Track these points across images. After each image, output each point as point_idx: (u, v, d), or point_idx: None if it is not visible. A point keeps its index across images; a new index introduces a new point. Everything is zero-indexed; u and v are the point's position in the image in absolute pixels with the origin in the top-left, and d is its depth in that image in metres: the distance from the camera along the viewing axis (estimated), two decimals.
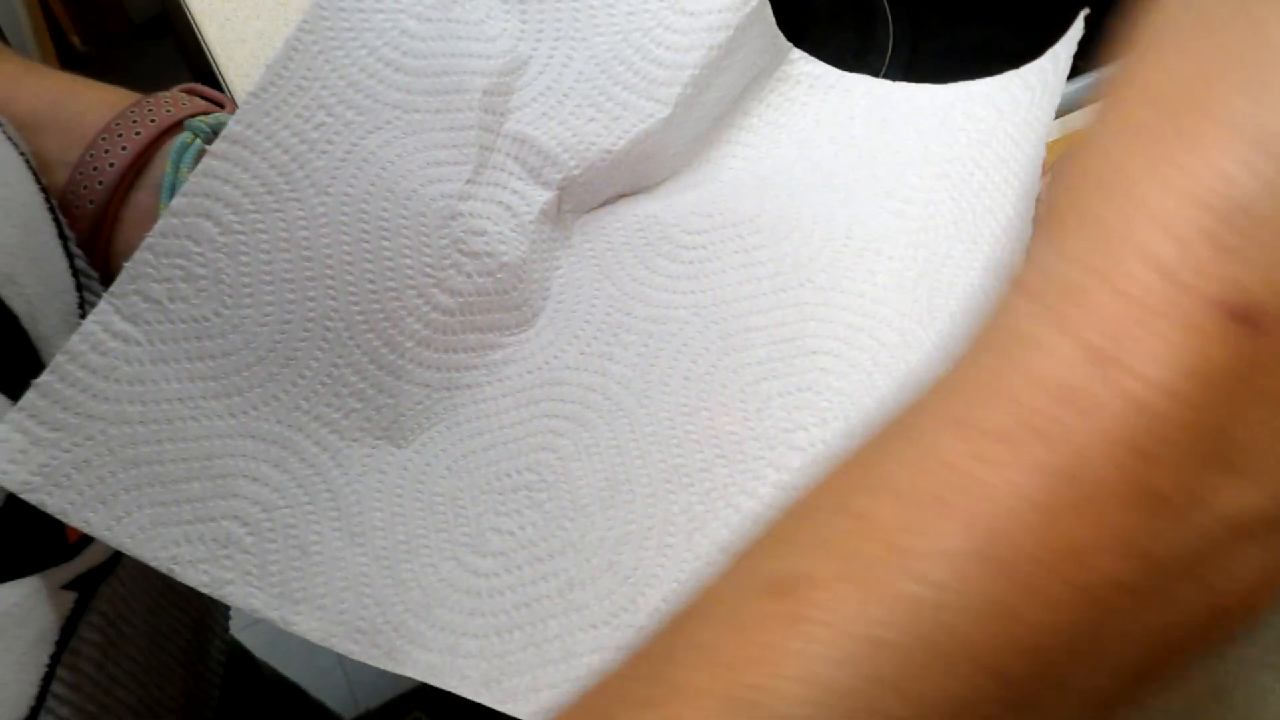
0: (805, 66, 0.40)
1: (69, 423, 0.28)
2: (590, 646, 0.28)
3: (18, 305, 0.29)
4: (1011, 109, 0.35)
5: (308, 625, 0.28)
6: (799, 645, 0.14)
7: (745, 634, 0.14)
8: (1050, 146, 0.32)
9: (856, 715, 0.13)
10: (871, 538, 0.14)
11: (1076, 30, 0.33)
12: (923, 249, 0.34)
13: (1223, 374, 0.13)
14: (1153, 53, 0.15)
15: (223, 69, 0.52)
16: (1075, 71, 0.32)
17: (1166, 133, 0.13)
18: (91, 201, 0.32)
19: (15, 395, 0.27)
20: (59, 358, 0.28)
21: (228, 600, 0.28)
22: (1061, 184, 0.15)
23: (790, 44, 0.40)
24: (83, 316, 0.32)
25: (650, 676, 0.15)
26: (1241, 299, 0.13)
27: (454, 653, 0.28)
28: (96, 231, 0.32)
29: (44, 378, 0.27)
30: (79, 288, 0.32)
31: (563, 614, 0.28)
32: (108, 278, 0.33)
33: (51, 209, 0.31)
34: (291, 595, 0.29)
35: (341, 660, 1.05)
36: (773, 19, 0.39)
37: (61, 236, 0.32)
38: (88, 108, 0.34)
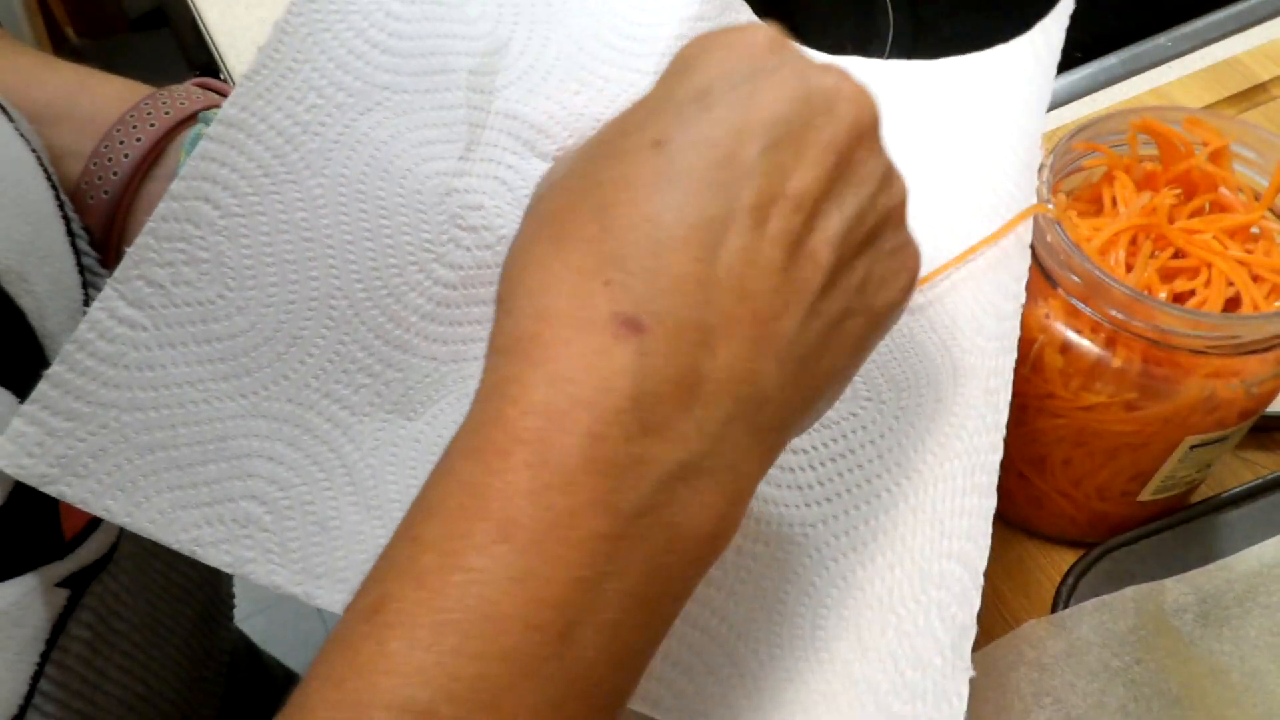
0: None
1: (82, 412, 0.28)
2: None
3: (26, 302, 0.30)
4: (1004, 83, 0.35)
5: (330, 599, 0.29)
6: (391, 646, 0.18)
7: (349, 653, 0.19)
8: (1048, 136, 0.32)
9: (442, 680, 0.18)
10: (426, 550, 0.20)
11: (1066, 5, 0.33)
12: (917, 220, 0.34)
13: (631, 364, 0.19)
14: (547, 194, 0.23)
15: (225, 56, 0.52)
16: (1070, 64, 0.32)
17: (558, 237, 0.21)
18: (105, 192, 0.32)
19: (22, 391, 0.27)
20: (68, 347, 0.28)
21: (251, 579, 0.29)
22: (502, 280, 0.22)
23: (774, 24, 0.40)
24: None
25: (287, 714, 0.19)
26: (624, 312, 0.19)
27: None
28: (110, 222, 0.33)
29: (54, 368, 0.28)
30: (85, 285, 0.33)
31: None
32: None
33: (61, 206, 0.32)
34: (313, 570, 0.29)
35: None
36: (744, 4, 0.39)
37: (70, 234, 0.32)
38: (102, 100, 0.34)
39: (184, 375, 0.30)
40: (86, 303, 0.32)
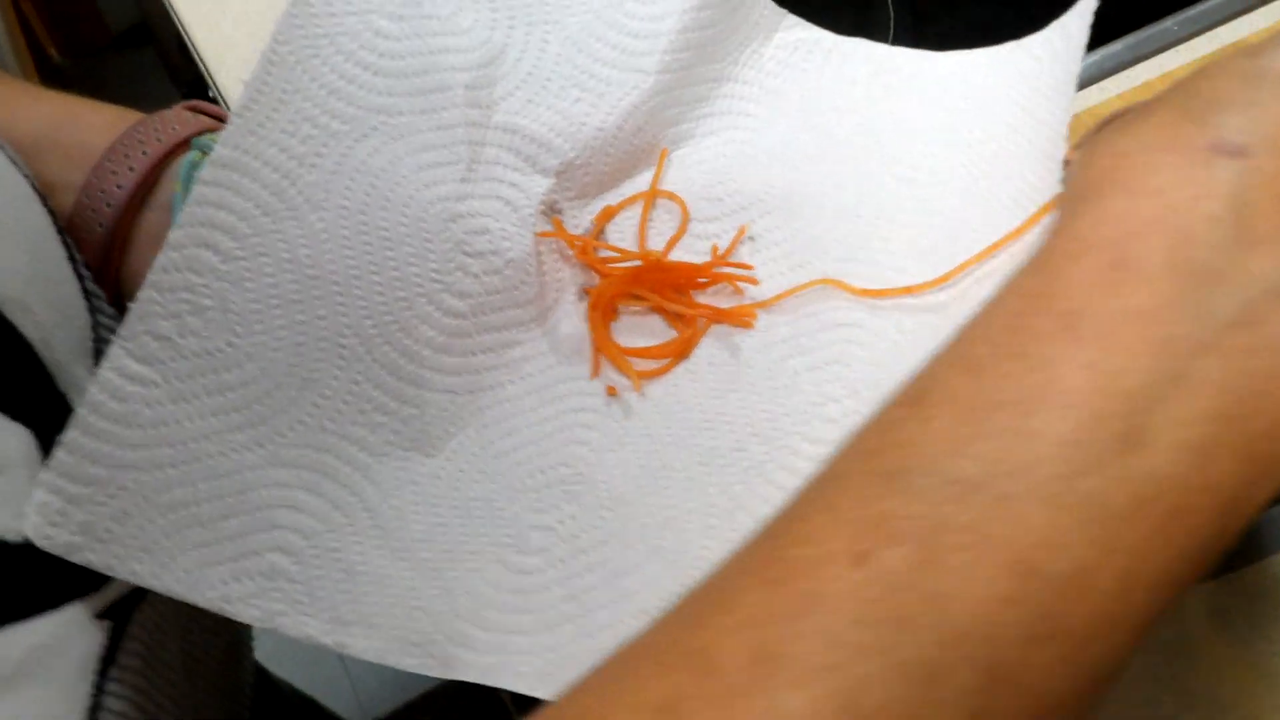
0: (801, 32, 0.38)
1: (101, 476, 0.27)
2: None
3: (30, 332, 0.29)
4: (1018, 79, 0.34)
5: (362, 645, 0.28)
6: (935, 424, 0.18)
7: (888, 431, 0.19)
8: (1079, 118, 0.31)
9: (994, 456, 0.17)
10: (978, 344, 0.20)
11: (1089, 3, 0.31)
12: (936, 215, 0.33)
13: (1231, 178, 0.18)
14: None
15: (214, 74, 0.51)
16: (1096, 43, 0.31)
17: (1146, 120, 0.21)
18: (100, 225, 0.32)
19: (34, 423, 0.27)
20: (80, 411, 0.27)
21: (281, 631, 0.28)
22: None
23: (784, 10, 0.38)
24: (96, 338, 0.31)
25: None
26: (1224, 139, 0.18)
27: (506, 652, 0.28)
28: (107, 255, 0.32)
29: (69, 434, 0.27)
30: (92, 310, 0.32)
31: (611, 603, 0.28)
32: (120, 301, 0.33)
33: (60, 232, 0.31)
34: (343, 618, 0.29)
35: (347, 669, 1.06)
36: None
37: (71, 259, 0.31)
38: (90, 129, 0.33)
39: (200, 429, 0.29)
40: (94, 326, 0.32)
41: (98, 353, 0.31)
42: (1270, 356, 0.17)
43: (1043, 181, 0.30)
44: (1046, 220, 0.30)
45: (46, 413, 0.27)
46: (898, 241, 0.33)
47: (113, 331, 0.32)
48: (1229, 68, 0.20)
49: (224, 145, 0.30)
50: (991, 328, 0.19)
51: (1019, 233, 0.30)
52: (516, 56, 0.36)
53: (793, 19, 0.39)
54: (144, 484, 0.28)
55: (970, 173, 0.33)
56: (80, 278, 0.31)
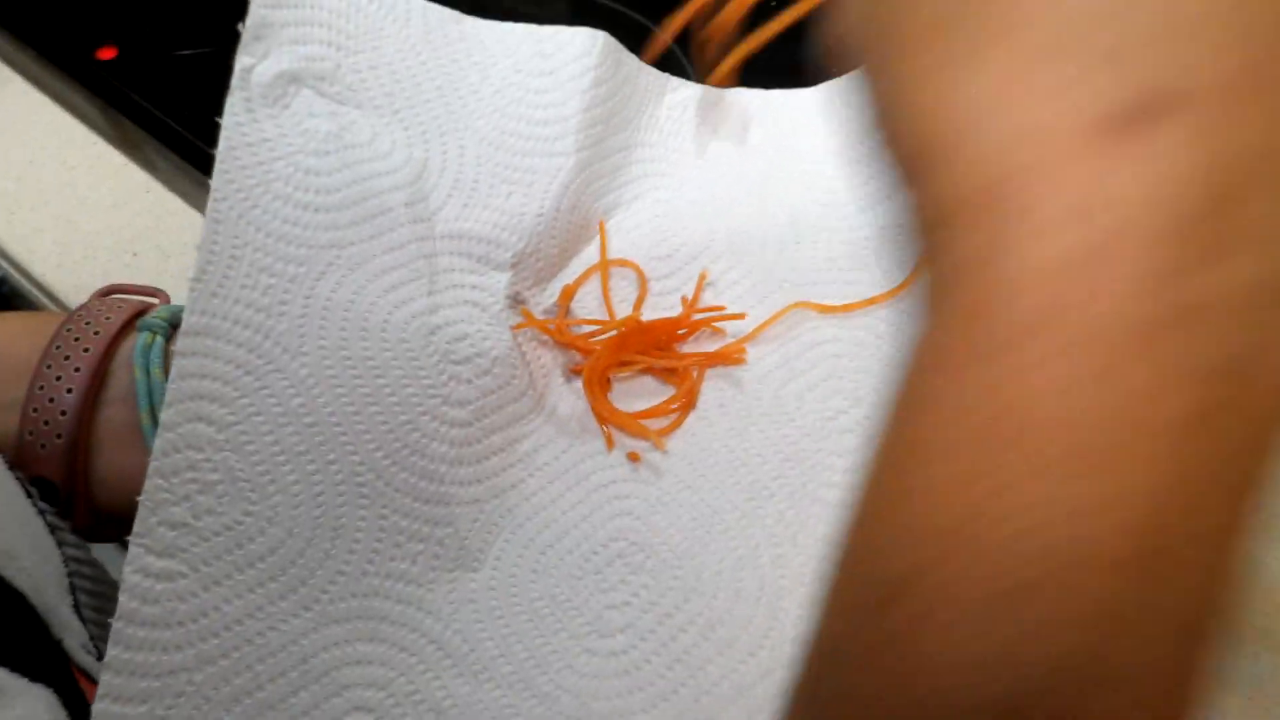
0: (686, 90, 0.41)
1: (154, 689, 0.25)
2: (758, 673, 0.28)
3: (22, 581, 0.27)
4: None
5: None
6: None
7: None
8: None
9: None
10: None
11: None
12: (862, 228, 0.36)
13: (1167, 169, 0.12)
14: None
15: (25, 265, 0.48)
16: None
17: (980, 56, 0.14)
18: (58, 435, 0.29)
19: (37, 675, 0.24)
20: (116, 624, 0.25)
21: None
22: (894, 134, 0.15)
23: (666, 74, 0.41)
24: (70, 574, 0.29)
25: None
26: (1136, 95, 0.12)
27: None
28: (70, 465, 0.29)
29: (111, 652, 0.25)
30: (59, 544, 0.29)
31: (717, 655, 0.28)
32: (96, 511, 0.30)
33: (10, 466, 0.28)
34: None
35: None
36: (631, 55, 0.40)
37: (27, 494, 0.29)
38: (10, 339, 0.31)
39: (241, 609, 0.27)
40: (64, 561, 0.29)
41: (73, 589, 0.29)
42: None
43: None
44: None
45: (55, 667, 0.25)
46: (842, 259, 0.36)
47: (81, 563, 0.30)
48: None
49: (191, 313, 0.29)
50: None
51: None
52: (439, 167, 0.37)
53: (676, 80, 0.42)
54: (200, 683, 0.26)
55: (885, 186, 0.37)
56: (41, 513, 0.29)
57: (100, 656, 0.34)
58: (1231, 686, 0.31)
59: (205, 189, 0.49)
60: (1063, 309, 0.12)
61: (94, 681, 0.31)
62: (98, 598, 0.34)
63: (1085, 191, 0.12)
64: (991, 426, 0.13)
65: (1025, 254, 0.12)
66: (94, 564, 0.33)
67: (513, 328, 0.35)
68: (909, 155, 0.15)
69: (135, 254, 0.47)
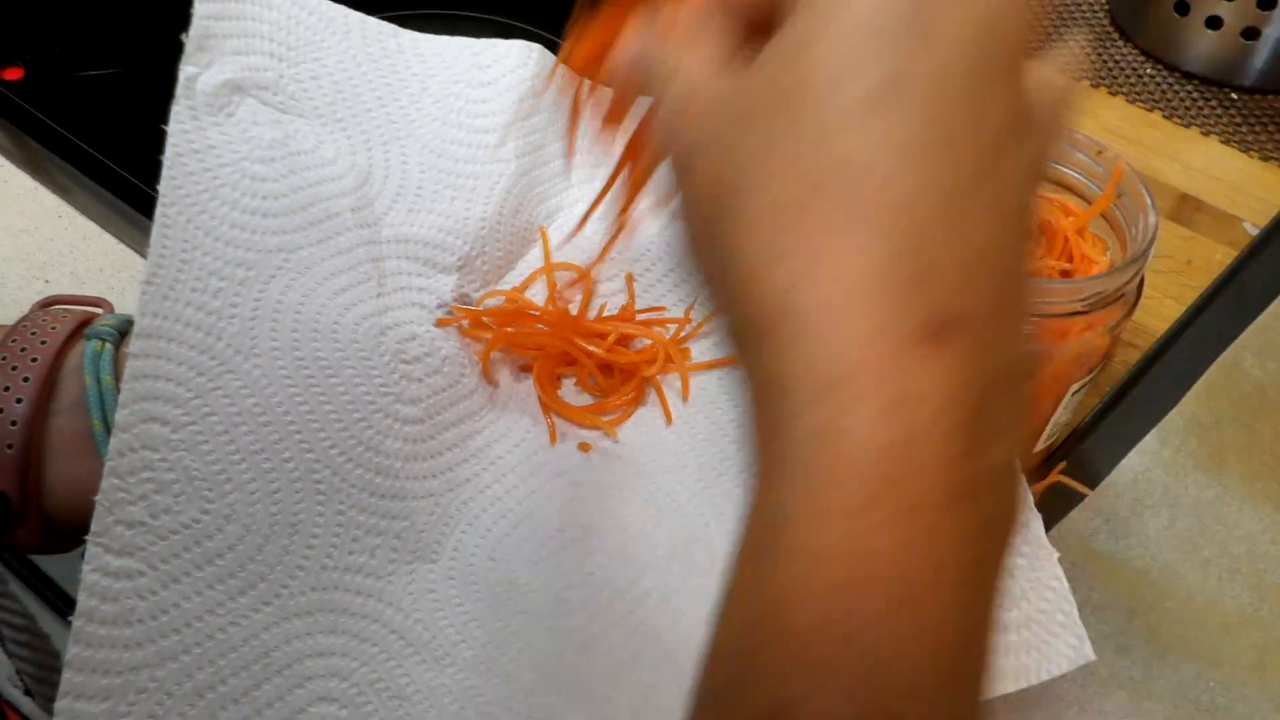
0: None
1: (115, 686, 0.25)
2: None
3: None
4: None
5: None
6: None
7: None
8: None
9: None
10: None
11: None
12: None
13: (965, 375, 0.16)
14: (759, 181, 0.18)
15: None
16: None
17: (816, 242, 0.17)
18: (9, 446, 0.29)
19: None
20: (76, 623, 0.25)
21: None
22: (752, 302, 0.17)
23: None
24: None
25: None
26: (932, 318, 0.16)
27: (593, 700, 0.29)
28: (23, 474, 0.29)
29: (71, 650, 0.25)
30: None
31: (673, 624, 0.29)
32: (46, 519, 0.30)
33: None
34: None
35: None
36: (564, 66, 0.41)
37: None
38: None
39: (200, 605, 0.28)
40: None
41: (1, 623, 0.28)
42: (1003, 529, 0.17)
43: None
44: None
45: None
46: None
47: (4, 596, 0.29)
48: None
49: (143, 315, 0.29)
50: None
51: None
52: (383, 174, 0.37)
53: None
54: (162, 679, 0.26)
55: None
56: None
57: (28, 692, 0.33)
58: (1157, 696, 0.32)
59: (119, 212, 0.49)
60: (897, 482, 0.16)
61: (24, 717, 0.31)
62: (24, 632, 0.33)
63: (903, 390, 0.16)
64: (848, 576, 0.16)
65: (864, 436, 0.16)
66: (14, 596, 0.33)
67: (437, 322, 0.36)
68: (747, 317, 0.17)
69: (47, 280, 0.46)
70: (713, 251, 0.18)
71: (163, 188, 0.31)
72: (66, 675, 0.24)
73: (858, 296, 0.16)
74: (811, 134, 0.17)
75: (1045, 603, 0.24)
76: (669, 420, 0.35)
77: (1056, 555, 0.25)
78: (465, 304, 0.38)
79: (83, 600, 0.25)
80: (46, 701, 0.27)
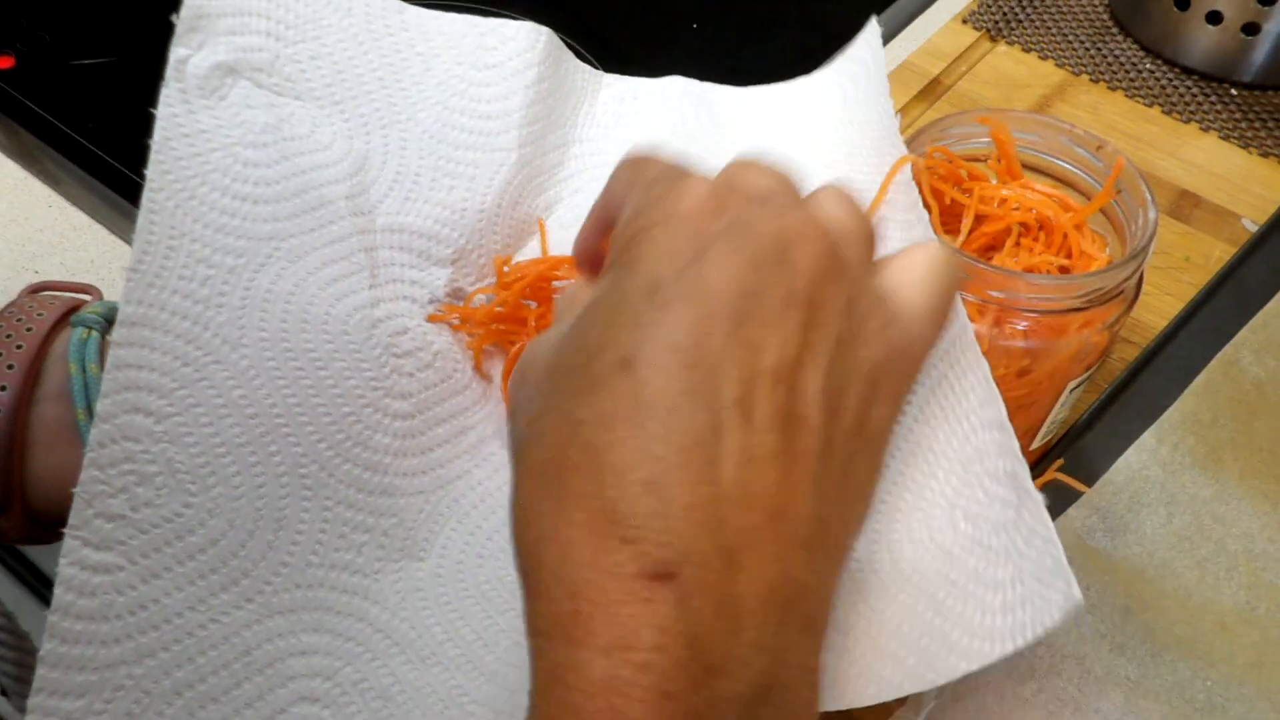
0: (621, 85, 0.42)
1: (91, 683, 0.25)
2: None
3: None
4: (826, 102, 0.39)
5: None
6: None
7: None
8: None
9: None
10: None
11: (872, 30, 0.37)
12: None
13: (675, 613, 0.18)
14: (530, 440, 0.20)
15: None
16: None
17: (559, 496, 0.19)
18: None
19: None
20: (52, 618, 0.24)
21: None
22: (519, 553, 0.20)
23: (599, 70, 0.42)
24: None
25: None
26: (649, 566, 0.18)
27: None
28: (7, 464, 0.28)
29: (47, 647, 0.24)
30: None
31: None
32: (30, 509, 0.29)
33: None
34: None
35: None
36: (569, 51, 0.41)
37: None
38: None
39: (181, 601, 0.27)
40: None
41: None
42: None
43: (877, 181, 0.35)
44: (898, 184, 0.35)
45: None
46: None
47: None
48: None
49: (127, 303, 0.29)
50: None
51: (879, 199, 0.35)
52: (381, 160, 0.37)
53: (610, 76, 0.43)
54: (140, 677, 0.25)
55: (818, 181, 0.38)
56: None
57: (4, 691, 0.32)
58: (1153, 695, 0.32)
59: (110, 203, 0.48)
60: (617, 714, 0.17)
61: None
62: (2, 630, 0.33)
63: (625, 629, 0.18)
64: None
65: (589, 672, 0.18)
66: None
67: (429, 318, 0.35)
68: (520, 561, 0.20)
69: (37, 271, 0.45)
70: (513, 494, 0.21)
71: (150, 173, 0.31)
72: (41, 671, 0.24)
73: (585, 547, 0.18)
74: (563, 401, 0.19)
75: (1034, 551, 0.23)
76: None
77: (1044, 500, 0.24)
78: (459, 298, 0.37)
79: (59, 595, 0.25)
80: (24, 701, 0.26)
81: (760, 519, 0.19)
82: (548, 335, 0.22)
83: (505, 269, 0.37)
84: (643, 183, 0.23)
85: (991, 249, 0.37)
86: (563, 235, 0.39)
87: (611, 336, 0.19)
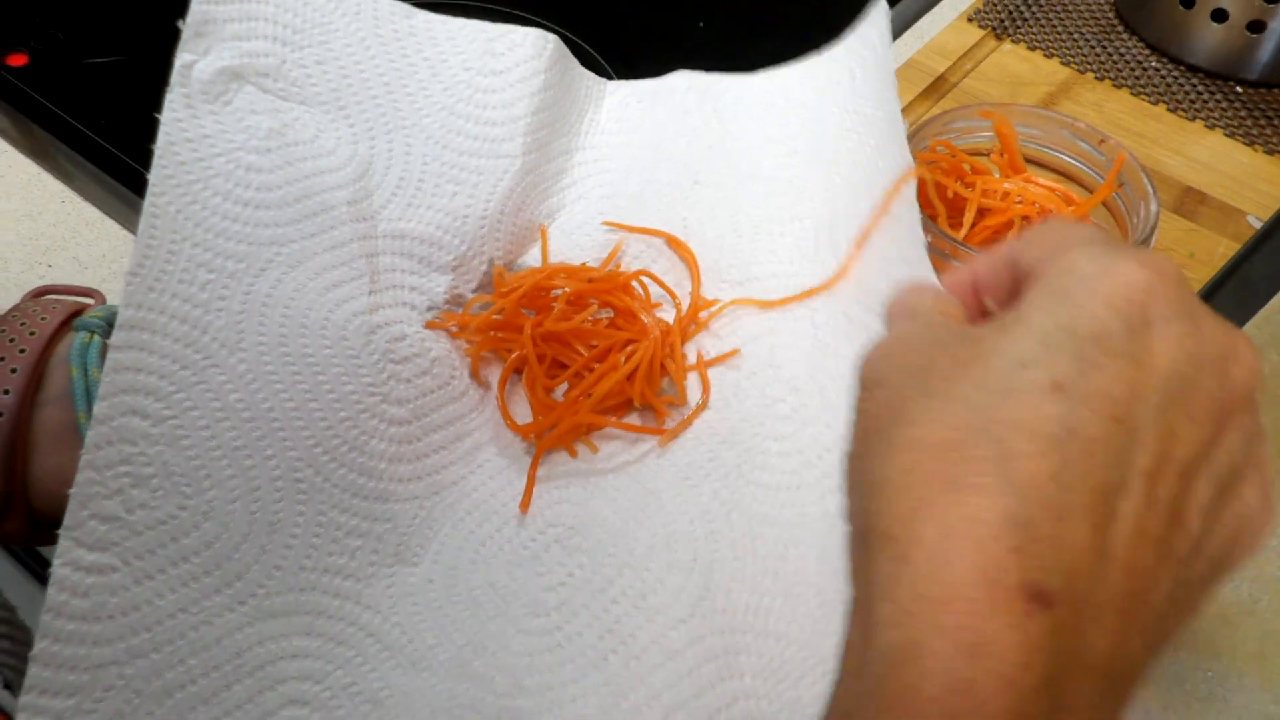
0: (624, 90, 0.42)
1: (83, 682, 0.25)
2: (688, 639, 0.28)
3: None
4: (832, 86, 0.38)
5: None
6: None
7: None
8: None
9: None
10: None
11: (880, 12, 0.36)
12: (807, 219, 0.37)
13: (1046, 641, 0.18)
14: (928, 413, 0.20)
15: None
16: None
17: (953, 482, 0.19)
18: None
19: None
20: (45, 617, 0.25)
21: None
22: (882, 514, 0.19)
23: (603, 78, 0.42)
24: None
25: None
26: (1034, 582, 0.18)
27: (562, 703, 0.28)
28: (10, 467, 0.29)
29: (39, 646, 0.24)
30: None
31: (647, 623, 0.29)
32: (31, 511, 0.30)
33: None
34: None
35: None
36: (574, 59, 0.41)
37: None
38: None
39: (174, 603, 0.27)
40: None
41: None
42: None
43: (890, 164, 0.35)
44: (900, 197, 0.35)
45: None
46: (783, 250, 0.37)
47: None
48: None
49: (127, 307, 0.29)
50: None
51: (881, 212, 0.35)
52: (385, 166, 0.37)
53: (614, 83, 0.43)
54: (131, 677, 0.26)
55: (824, 172, 0.38)
56: None
57: (7, 685, 0.33)
58: (1154, 685, 0.32)
59: (122, 199, 0.49)
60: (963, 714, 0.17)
61: (7, 714, 0.31)
62: (4, 624, 0.33)
63: (984, 637, 0.17)
64: None
65: (937, 668, 0.17)
66: None
67: (426, 325, 0.35)
68: (870, 526, 0.19)
69: (50, 265, 0.46)
70: (860, 462, 0.20)
71: (153, 177, 0.31)
72: (32, 670, 0.24)
73: (971, 539, 0.18)
74: (977, 396, 0.19)
75: None
76: (660, 421, 0.34)
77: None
78: (459, 304, 0.37)
79: (52, 594, 0.25)
80: None
81: (1126, 590, 0.19)
82: (898, 338, 0.22)
83: (504, 276, 0.37)
84: (1077, 239, 0.22)
85: (994, 242, 0.37)
86: (564, 242, 0.39)
87: (1049, 357, 0.19)
